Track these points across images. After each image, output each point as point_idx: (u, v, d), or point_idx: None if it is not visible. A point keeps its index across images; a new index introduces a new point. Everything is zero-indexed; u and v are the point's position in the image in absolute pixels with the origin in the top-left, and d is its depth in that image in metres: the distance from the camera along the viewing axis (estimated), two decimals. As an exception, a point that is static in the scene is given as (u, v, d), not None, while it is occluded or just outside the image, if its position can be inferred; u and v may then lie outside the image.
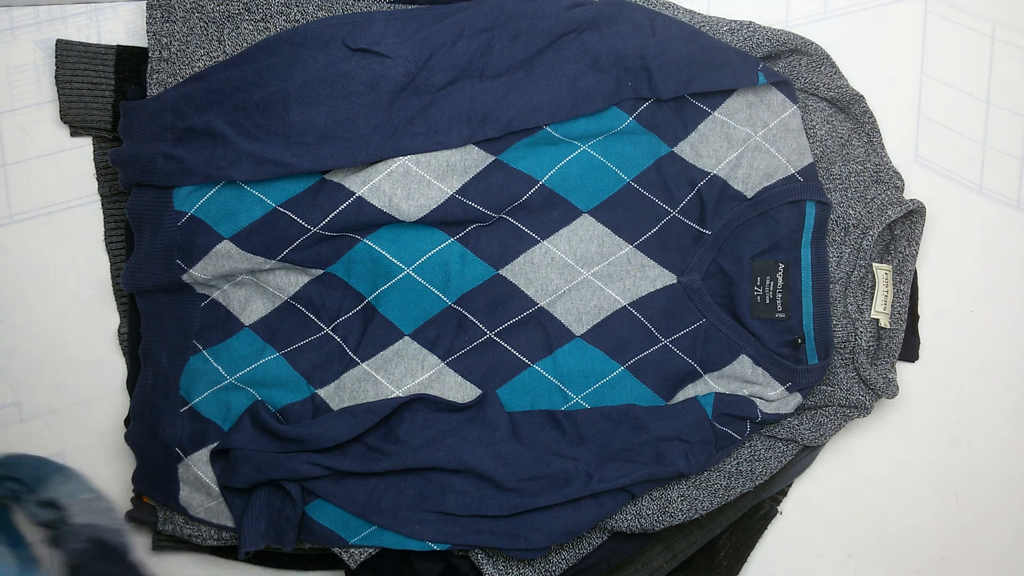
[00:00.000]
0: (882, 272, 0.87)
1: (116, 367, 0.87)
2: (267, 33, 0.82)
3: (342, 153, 0.79)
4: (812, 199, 0.85)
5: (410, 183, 0.80)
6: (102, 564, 0.74)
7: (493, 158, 0.82)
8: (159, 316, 0.83)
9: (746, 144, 0.84)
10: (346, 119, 0.79)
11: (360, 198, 0.79)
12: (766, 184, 0.85)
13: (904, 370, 0.91)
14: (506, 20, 0.80)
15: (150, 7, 0.81)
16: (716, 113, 0.84)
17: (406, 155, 0.79)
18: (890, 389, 0.85)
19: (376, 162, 0.79)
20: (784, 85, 0.84)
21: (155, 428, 0.82)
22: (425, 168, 0.79)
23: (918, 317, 0.91)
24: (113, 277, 0.87)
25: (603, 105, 0.81)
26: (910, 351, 0.91)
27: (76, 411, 0.87)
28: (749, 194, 0.85)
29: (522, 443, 0.81)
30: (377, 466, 0.80)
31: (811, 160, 0.85)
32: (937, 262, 0.92)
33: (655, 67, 0.81)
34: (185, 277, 0.81)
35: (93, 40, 0.84)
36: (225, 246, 0.80)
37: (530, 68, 0.81)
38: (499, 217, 0.82)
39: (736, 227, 0.85)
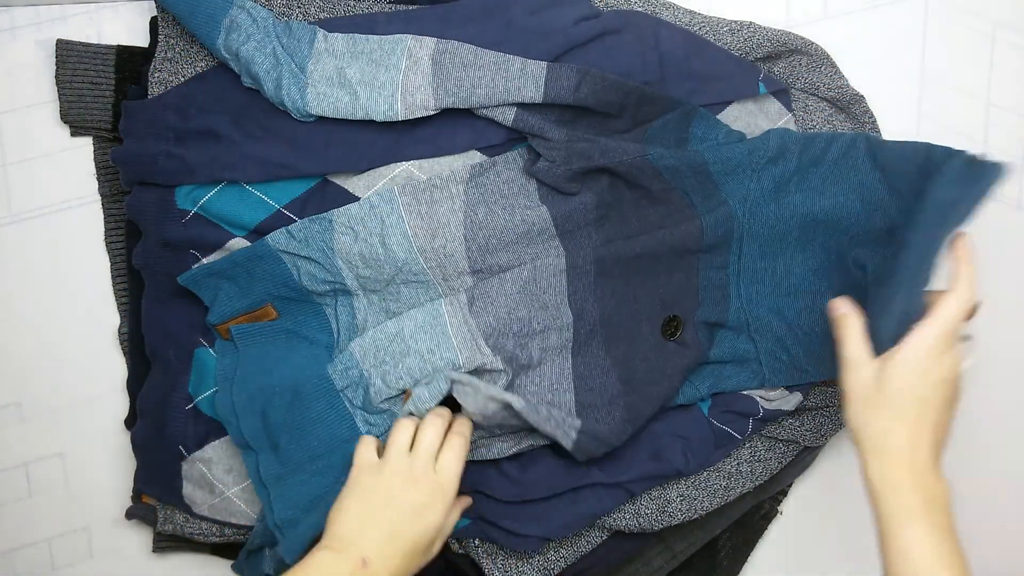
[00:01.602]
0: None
1: (116, 367, 0.87)
2: (269, 34, 0.82)
3: (346, 157, 0.78)
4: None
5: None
6: None
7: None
8: (164, 315, 0.83)
9: None
10: (351, 122, 0.78)
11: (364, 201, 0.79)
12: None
13: (904, 370, 0.91)
14: (513, 34, 0.79)
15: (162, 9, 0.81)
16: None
17: (410, 160, 0.79)
18: (890, 389, 0.85)
19: (380, 166, 0.79)
20: (782, 93, 0.84)
21: (162, 425, 0.82)
22: (428, 173, 0.79)
23: (918, 317, 0.91)
24: (113, 277, 0.87)
25: None
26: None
27: (76, 411, 0.87)
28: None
29: None
30: None
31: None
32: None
33: (656, 82, 0.80)
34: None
35: (93, 40, 0.84)
36: (239, 243, 0.79)
37: None
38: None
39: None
